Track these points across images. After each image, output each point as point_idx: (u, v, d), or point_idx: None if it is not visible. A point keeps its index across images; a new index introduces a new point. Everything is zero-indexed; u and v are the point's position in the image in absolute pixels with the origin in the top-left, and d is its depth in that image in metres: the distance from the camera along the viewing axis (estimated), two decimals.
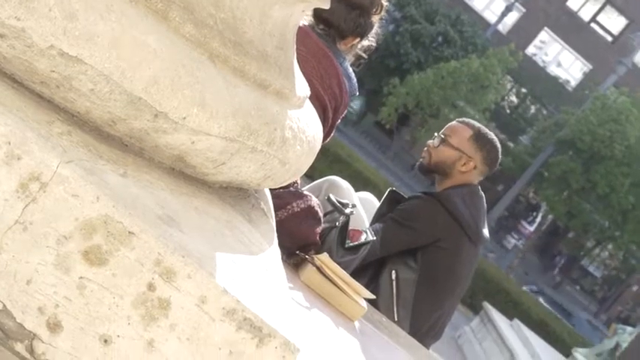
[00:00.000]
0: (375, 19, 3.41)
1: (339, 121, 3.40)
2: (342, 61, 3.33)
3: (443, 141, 3.94)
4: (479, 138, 3.94)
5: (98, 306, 1.28)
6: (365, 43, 3.47)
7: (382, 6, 3.40)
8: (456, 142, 3.93)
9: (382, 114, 28.82)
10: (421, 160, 4.04)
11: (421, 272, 3.77)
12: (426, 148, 4.02)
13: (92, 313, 1.28)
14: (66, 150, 1.32)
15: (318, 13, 3.28)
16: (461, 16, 32.72)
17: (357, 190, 3.92)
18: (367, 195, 4.15)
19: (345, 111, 3.40)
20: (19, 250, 1.27)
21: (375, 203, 4.10)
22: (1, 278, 1.27)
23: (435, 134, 4.02)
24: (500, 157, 4.01)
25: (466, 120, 4.09)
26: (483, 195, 3.98)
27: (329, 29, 3.33)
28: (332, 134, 3.41)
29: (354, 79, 3.42)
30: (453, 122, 4.08)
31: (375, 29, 3.46)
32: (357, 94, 3.51)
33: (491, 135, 4.00)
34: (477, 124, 4.01)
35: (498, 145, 4.00)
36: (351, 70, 3.41)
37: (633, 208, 28.27)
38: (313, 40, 3.22)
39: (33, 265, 1.27)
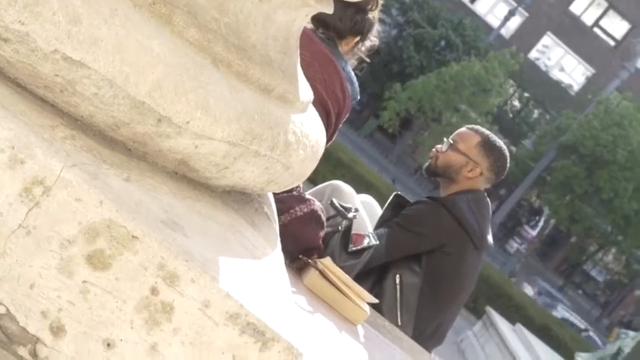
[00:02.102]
0: (373, 15, 3.40)
1: (341, 124, 3.39)
2: (345, 65, 3.33)
3: (451, 146, 3.94)
4: (486, 145, 3.94)
5: (101, 310, 1.28)
6: (367, 43, 3.46)
7: (378, 2, 3.39)
8: (464, 148, 3.93)
9: (383, 118, 28.81)
10: (428, 162, 4.05)
11: (425, 277, 3.76)
12: (434, 151, 4.02)
13: (95, 317, 1.28)
14: (69, 154, 1.32)
15: (315, 16, 3.28)
16: (463, 21, 32.72)
17: (359, 193, 3.92)
18: (368, 198, 4.14)
19: (348, 114, 3.40)
20: (23, 254, 1.27)
21: (375, 206, 4.10)
22: (4, 282, 1.27)
23: (444, 139, 4.03)
24: (507, 165, 4.00)
25: (475, 127, 4.09)
26: (489, 202, 3.98)
27: (328, 31, 3.32)
28: (334, 138, 3.41)
29: (356, 83, 3.41)
30: (462, 128, 4.08)
31: (376, 27, 3.45)
32: (359, 97, 3.50)
33: (500, 143, 3.99)
34: (487, 132, 4.01)
35: (506, 153, 4.00)
36: (353, 74, 3.40)
37: (636, 213, 28.27)
38: (316, 45, 3.22)
39: (36, 269, 1.27)
